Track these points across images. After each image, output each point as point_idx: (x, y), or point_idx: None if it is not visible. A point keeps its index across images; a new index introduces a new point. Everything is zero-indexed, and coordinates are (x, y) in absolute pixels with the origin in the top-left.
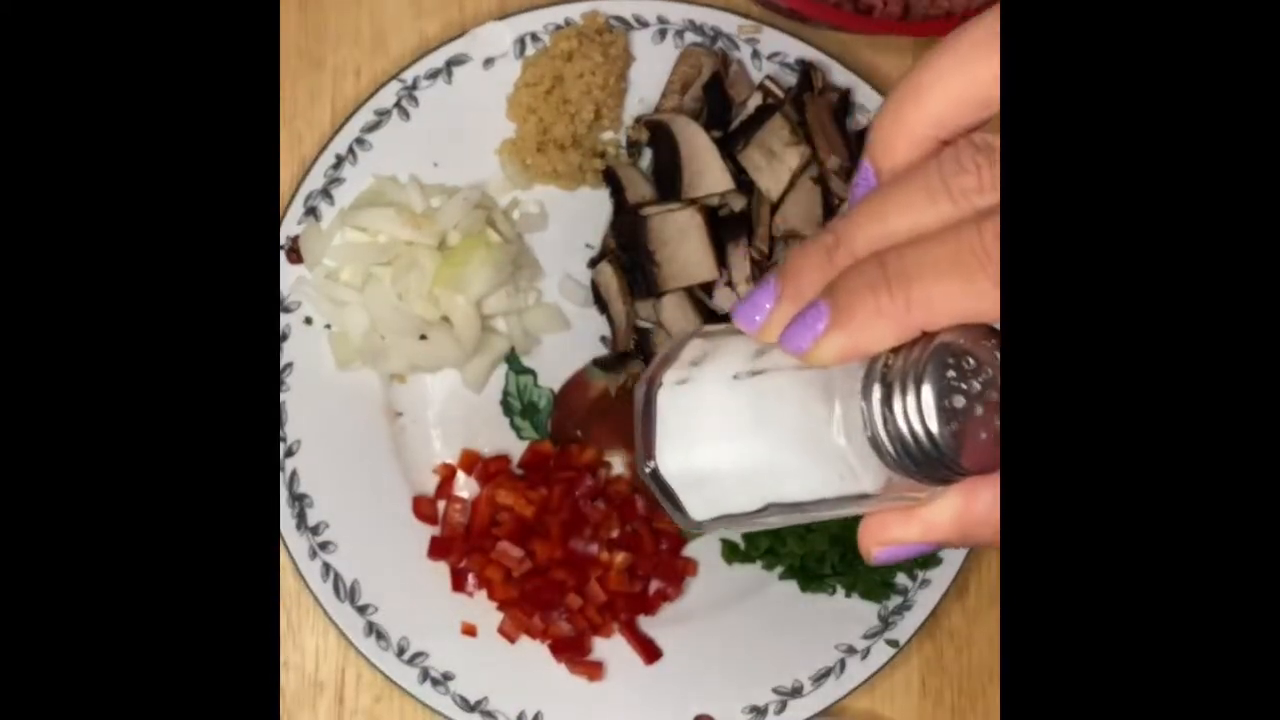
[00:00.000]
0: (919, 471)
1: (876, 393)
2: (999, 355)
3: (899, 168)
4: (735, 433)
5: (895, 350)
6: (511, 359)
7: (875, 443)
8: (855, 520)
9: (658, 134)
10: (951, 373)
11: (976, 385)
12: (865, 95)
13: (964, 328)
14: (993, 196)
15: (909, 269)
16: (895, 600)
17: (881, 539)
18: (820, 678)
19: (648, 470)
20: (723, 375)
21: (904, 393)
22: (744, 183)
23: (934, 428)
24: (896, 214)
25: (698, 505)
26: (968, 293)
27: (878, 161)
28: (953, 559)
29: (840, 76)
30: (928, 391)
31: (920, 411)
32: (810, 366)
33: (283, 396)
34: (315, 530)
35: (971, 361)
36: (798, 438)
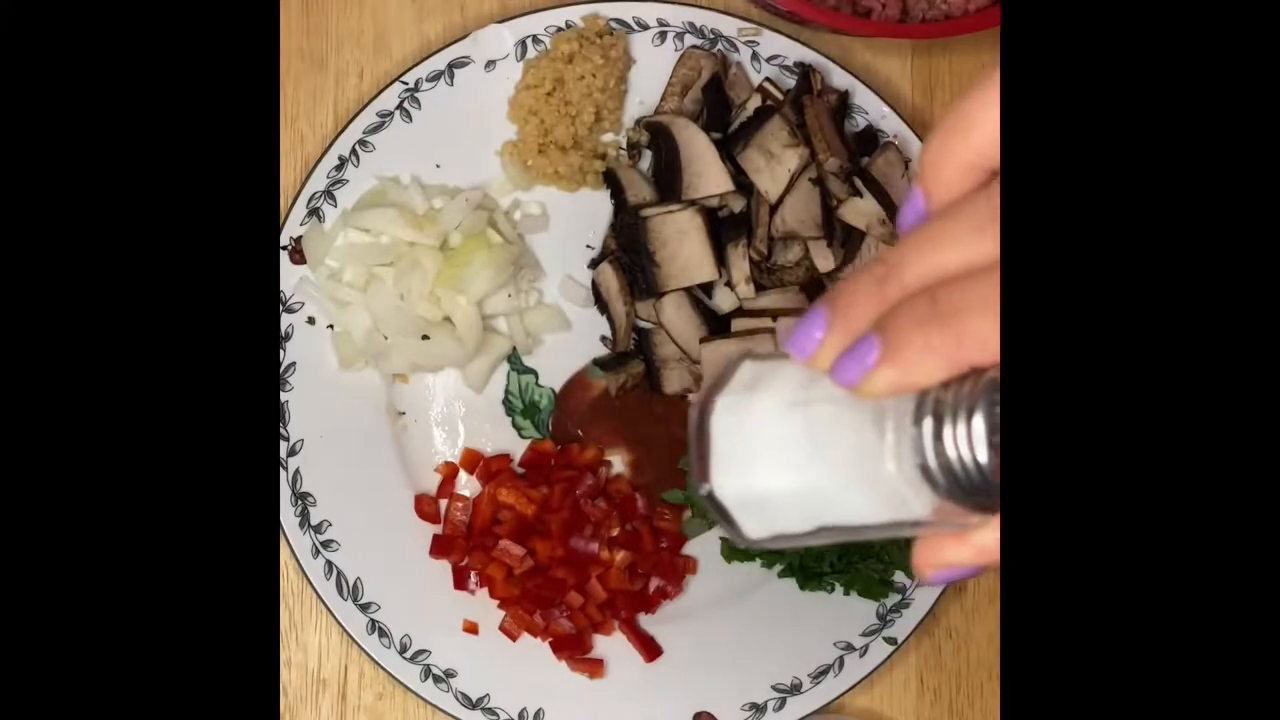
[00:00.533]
0: (968, 500)
1: (928, 424)
2: None
3: (948, 197)
4: (789, 460)
5: (946, 382)
6: (513, 359)
7: (925, 472)
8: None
9: (658, 136)
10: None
11: None
12: (864, 97)
13: None
14: None
15: (959, 305)
16: (894, 598)
17: (935, 561)
18: (819, 675)
19: (704, 492)
20: (776, 402)
21: (955, 425)
22: (743, 184)
23: (984, 460)
24: (946, 247)
25: (753, 526)
26: None
27: (928, 190)
28: None
29: (839, 78)
30: (979, 425)
31: (971, 444)
32: (862, 398)
33: (286, 396)
34: (318, 529)
35: None
36: (850, 465)
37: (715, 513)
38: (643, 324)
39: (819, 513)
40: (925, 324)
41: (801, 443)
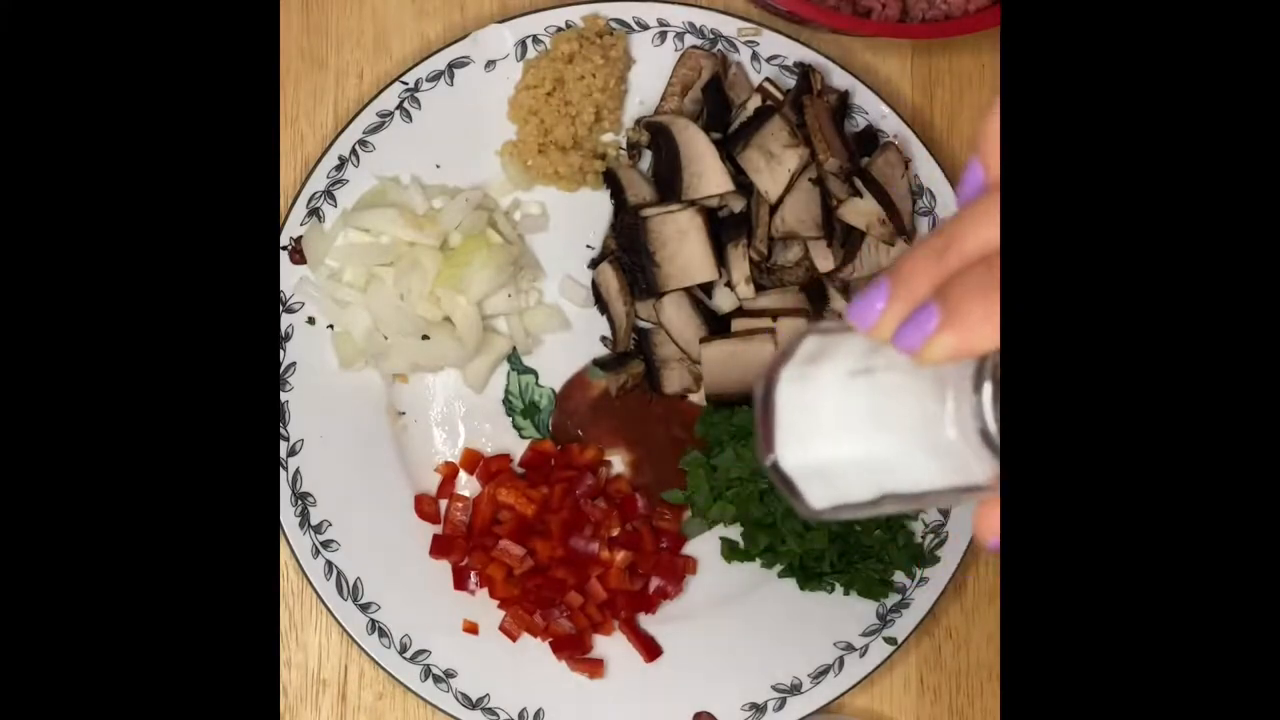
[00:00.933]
0: None
1: (987, 389)
2: None
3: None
4: (853, 428)
5: None
6: (513, 359)
7: (985, 436)
8: (852, 520)
9: (658, 136)
10: None
11: None
12: (864, 97)
13: None
14: None
15: None
16: (893, 598)
17: (997, 527)
18: (819, 675)
19: (769, 463)
20: (839, 372)
21: None
22: (743, 184)
23: None
24: None
25: (817, 495)
26: None
27: (987, 164)
28: (950, 558)
29: (839, 79)
30: None
31: None
32: (923, 364)
33: (286, 396)
34: (318, 529)
35: None
36: (913, 432)
37: (780, 484)
38: (643, 324)
39: (882, 480)
40: (985, 289)
41: (864, 411)
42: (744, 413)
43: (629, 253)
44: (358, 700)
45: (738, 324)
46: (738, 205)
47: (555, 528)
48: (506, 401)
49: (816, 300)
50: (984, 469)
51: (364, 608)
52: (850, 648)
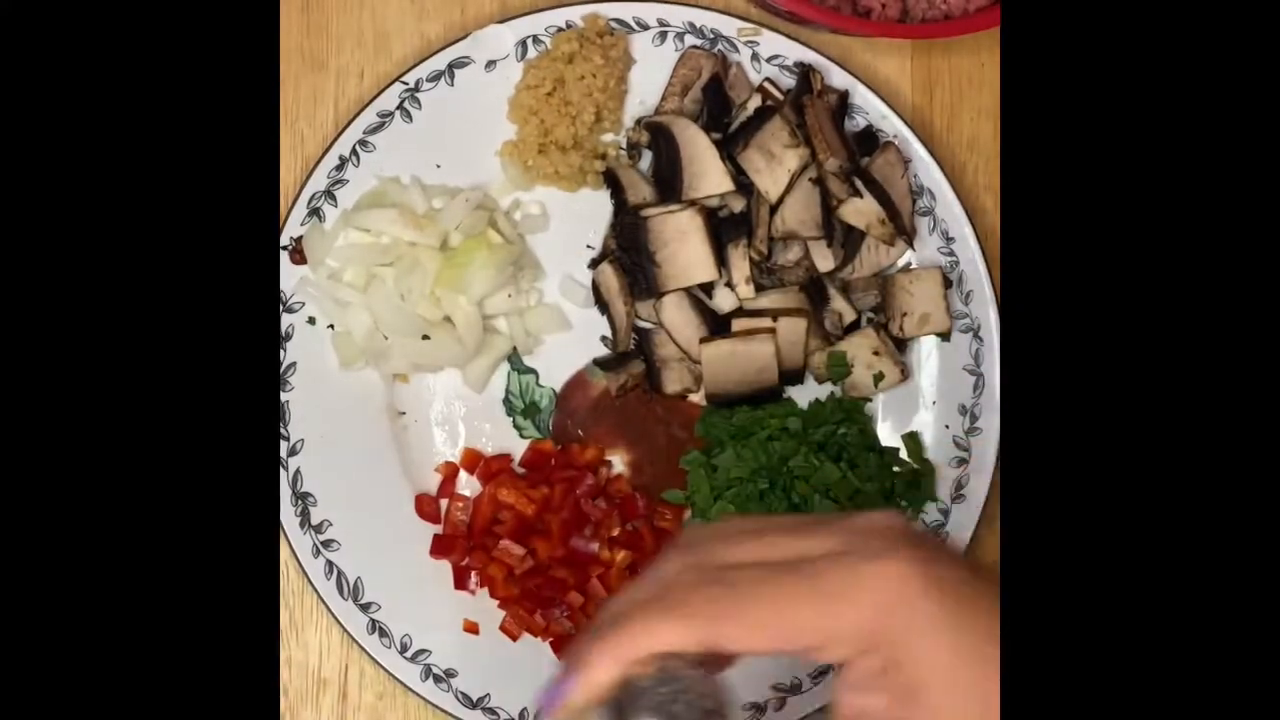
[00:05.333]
0: None
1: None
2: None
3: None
4: None
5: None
6: (513, 359)
7: None
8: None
9: (658, 136)
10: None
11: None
12: (864, 97)
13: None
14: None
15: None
16: None
17: None
18: (819, 675)
19: None
20: None
21: None
22: (743, 184)
23: None
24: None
25: None
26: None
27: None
28: None
29: (839, 79)
30: None
31: None
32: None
33: (286, 396)
34: (318, 528)
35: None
36: None
37: None
38: (643, 324)
39: None
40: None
41: None
42: (744, 412)
43: (629, 253)
44: (358, 700)
45: (738, 324)
46: (738, 205)
47: (555, 528)
48: (507, 401)
49: (816, 300)
50: None
51: (364, 607)
52: None
